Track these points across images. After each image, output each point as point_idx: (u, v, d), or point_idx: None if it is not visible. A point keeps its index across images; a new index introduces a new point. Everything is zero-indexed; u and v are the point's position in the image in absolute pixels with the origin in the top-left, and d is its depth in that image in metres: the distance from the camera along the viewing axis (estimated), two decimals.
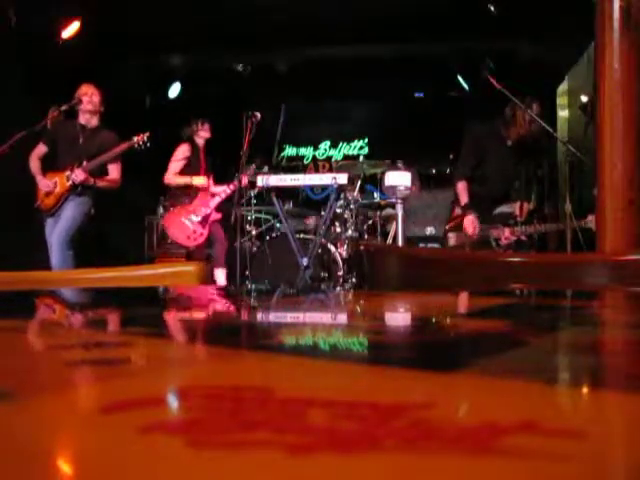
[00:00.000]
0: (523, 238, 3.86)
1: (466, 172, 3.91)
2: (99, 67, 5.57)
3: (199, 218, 4.88)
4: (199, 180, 4.93)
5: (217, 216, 4.98)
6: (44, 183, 4.32)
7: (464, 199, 3.86)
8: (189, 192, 4.95)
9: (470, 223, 3.82)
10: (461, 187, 3.89)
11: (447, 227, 4.06)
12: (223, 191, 4.93)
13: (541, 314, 1.08)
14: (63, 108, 4.40)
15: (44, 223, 4.36)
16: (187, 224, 4.88)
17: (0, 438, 0.30)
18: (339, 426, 0.30)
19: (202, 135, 5.05)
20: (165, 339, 0.71)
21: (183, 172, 4.96)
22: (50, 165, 4.39)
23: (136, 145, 4.38)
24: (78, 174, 4.22)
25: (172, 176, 4.96)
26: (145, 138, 4.38)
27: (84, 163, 4.26)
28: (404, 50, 6.66)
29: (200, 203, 4.92)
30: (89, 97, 4.36)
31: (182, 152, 4.98)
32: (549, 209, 6.11)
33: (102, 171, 4.38)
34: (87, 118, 4.40)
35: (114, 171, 4.41)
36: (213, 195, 4.96)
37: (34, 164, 4.39)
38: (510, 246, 3.81)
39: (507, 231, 3.79)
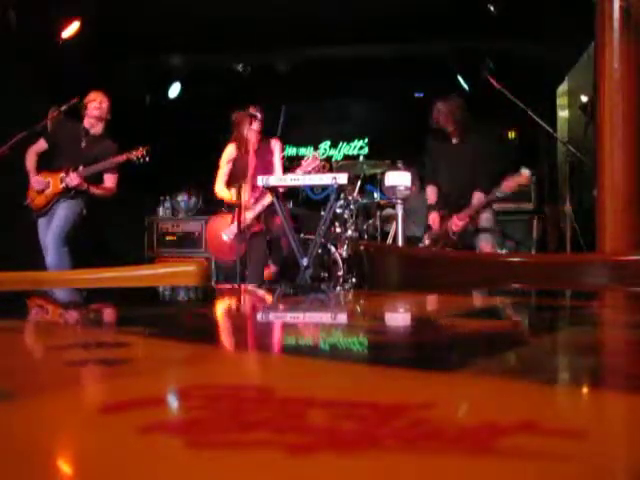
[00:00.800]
0: (468, 220, 4.18)
1: (430, 177, 4.46)
2: (99, 67, 5.56)
3: (237, 231, 4.18)
4: (227, 195, 4.32)
5: (258, 227, 4.29)
6: (37, 180, 4.31)
7: (431, 200, 4.40)
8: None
9: (432, 219, 4.32)
10: (429, 190, 4.45)
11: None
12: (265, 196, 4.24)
13: (541, 314, 1.08)
14: (63, 108, 4.39)
15: (36, 223, 4.36)
16: (225, 239, 4.38)
17: (0, 438, 0.30)
18: (339, 426, 0.30)
19: (254, 127, 4.25)
20: (165, 339, 0.71)
21: (230, 177, 4.39)
22: (46, 164, 4.38)
23: (134, 159, 4.33)
24: (73, 178, 4.20)
25: (218, 188, 4.42)
26: (144, 152, 4.33)
27: (80, 168, 4.24)
28: (404, 50, 6.64)
29: (239, 213, 4.16)
30: (98, 103, 4.35)
31: (227, 155, 4.42)
32: (549, 209, 6.11)
33: (98, 179, 4.36)
34: (92, 123, 4.37)
35: (109, 180, 4.38)
36: (256, 201, 4.24)
37: (31, 160, 4.37)
38: (465, 232, 4.17)
39: (455, 218, 4.18)
